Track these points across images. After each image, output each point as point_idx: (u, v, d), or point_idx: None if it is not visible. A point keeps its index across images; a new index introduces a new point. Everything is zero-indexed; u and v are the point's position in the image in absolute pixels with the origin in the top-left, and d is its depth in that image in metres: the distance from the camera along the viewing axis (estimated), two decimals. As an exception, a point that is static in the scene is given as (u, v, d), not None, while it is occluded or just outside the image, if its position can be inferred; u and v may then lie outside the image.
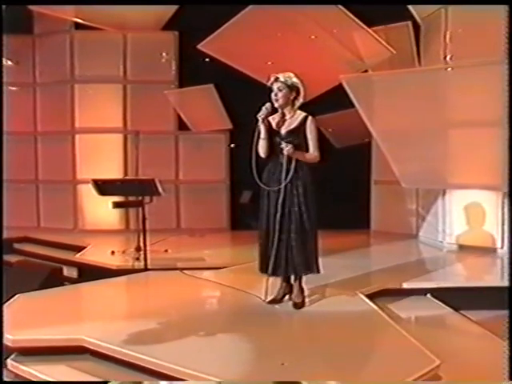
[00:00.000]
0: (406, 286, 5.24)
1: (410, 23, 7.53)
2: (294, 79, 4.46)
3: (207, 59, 7.70)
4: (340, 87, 6.54)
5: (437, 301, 5.05)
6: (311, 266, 4.50)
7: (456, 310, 4.90)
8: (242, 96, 7.26)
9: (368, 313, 4.49)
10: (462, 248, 6.92)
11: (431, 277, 5.69)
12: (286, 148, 4.37)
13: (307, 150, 4.48)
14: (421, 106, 6.40)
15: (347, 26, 6.64)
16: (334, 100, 6.97)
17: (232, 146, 8.87)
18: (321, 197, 7.82)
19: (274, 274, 4.53)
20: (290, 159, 4.41)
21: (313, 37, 6.79)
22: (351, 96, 6.35)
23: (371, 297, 4.87)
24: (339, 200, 8.22)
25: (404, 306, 4.93)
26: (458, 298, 4.98)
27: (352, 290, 4.96)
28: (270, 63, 6.78)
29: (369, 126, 6.63)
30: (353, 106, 6.62)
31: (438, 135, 6.57)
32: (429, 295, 5.15)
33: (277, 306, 4.61)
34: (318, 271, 4.56)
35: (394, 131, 6.66)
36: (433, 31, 7.20)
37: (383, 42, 6.79)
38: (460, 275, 6.10)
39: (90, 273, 6.39)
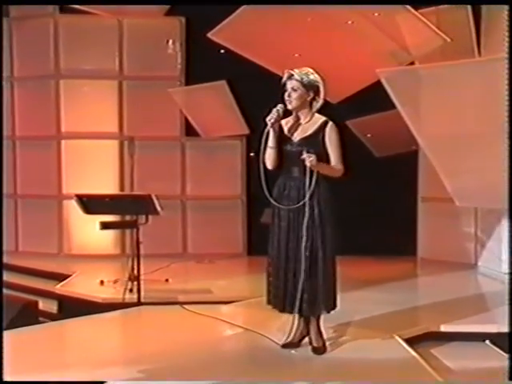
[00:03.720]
0: (458, 328, 5.14)
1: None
2: (312, 77, 4.45)
3: (221, 51, 7.70)
4: (381, 83, 6.44)
5: (498, 349, 4.94)
6: (323, 305, 4.45)
7: (522, 361, 4.78)
8: (262, 95, 7.16)
9: (407, 362, 4.40)
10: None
11: (492, 318, 5.59)
12: (309, 159, 4.32)
13: (327, 162, 4.46)
14: (480, 106, 6.25)
15: (390, 9, 6.54)
16: (375, 99, 6.91)
17: (252, 154, 8.82)
18: (357, 217, 7.96)
19: (283, 310, 4.52)
20: (310, 172, 4.37)
21: (349, 22, 6.70)
22: (391, 94, 6.24)
23: (412, 341, 4.80)
24: (379, 221, 8.24)
25: (455, 355, 4.83)
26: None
27: (388, 333, 4.87)
28: (296, 55, 6.74)
29: (414, 131, 6.50)
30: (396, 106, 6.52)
31: (500, 142, 6.40)
32: (488, 342, 5.04)
33: (293, 351, 4.57)
34: (334, 308, 4.50)
35: (446, 137, 6.53)
36: (498, 12, 7.06)
37: (434, 28, 6.66)
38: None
39: (72, 307, 6.41)
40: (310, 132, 4.46)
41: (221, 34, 7.14)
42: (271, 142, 4.43)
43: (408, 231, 8.38)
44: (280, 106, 4.40)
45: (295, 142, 4.46)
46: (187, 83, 8.83)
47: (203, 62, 8.51)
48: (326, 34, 6.71)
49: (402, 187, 8.31)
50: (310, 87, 4.42)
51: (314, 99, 4.46)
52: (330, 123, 4.45)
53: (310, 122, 4.47)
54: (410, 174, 8.35)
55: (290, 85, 4.42)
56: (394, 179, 8.20)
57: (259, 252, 8.14)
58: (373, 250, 8.03)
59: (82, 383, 3.98)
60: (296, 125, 4.50)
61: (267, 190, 4.37)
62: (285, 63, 6.65)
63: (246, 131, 8.51)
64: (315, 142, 4.42)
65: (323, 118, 4.48)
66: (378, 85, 6.43)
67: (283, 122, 4.51)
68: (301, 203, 4.38)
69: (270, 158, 4.47)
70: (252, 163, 8.76)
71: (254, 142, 8.61)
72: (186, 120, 8.82)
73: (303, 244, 4.39)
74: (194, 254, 8.73)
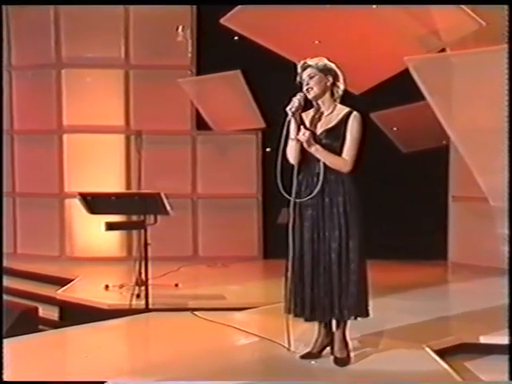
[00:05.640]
0: (493, 340, 5.10)
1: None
2: (326, 61, 4.49)
3: (235, 38, 7.72)
4: (409, 72, 6.42)
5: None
6: (355, 309, 4.45)
7: None
8: (279, 86, 7.15)
9: (437, 375, 4.36)
10: None
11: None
12: (301, 133, 4.34)
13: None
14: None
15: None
16: (401, 89, 6.93)
17: (268, 149, 8.82)
18: (382, 218, 7.92)
19: (307, 318, 4.51)
20: (325, 165, 4.40)
21: (374, 6, 6.67)
22: (419, 84, 6.21)
23: (444, 353, 4.76)
24: (407, 222, 8.21)
25: (490, 369, 4.78)
26: None
27: (417, 343, 4.84)
28: (316, 42, 6.72)
29: (444, 125, 6.47)
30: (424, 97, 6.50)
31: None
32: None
33: (313, 362, 4.55)
34: (367, 315, 4.51)
35: (480, 131, 6.50)
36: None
37: (468, 10, 6.61)
38: None
39: (75, 314, 6.45)
40: (333, 123, 4.45)
41: (234, 20, 7.12)
42: (293, 133, 4.42)
43: (438, 233, 8.37)
44: (300, 95, 4.40)
45: (318, 135, 4.44)
46: (198, 73, 8.87)
47: (216, 50, 8.53)
48: (347, 19, 6.68)
49: (431, 185, 8.30)
50: (327, 71, 4.44)
51: (334, 85, 4.46)
52: (355, 113, 4.45)
53: (333, 113, 4.47)
54: (440, 171, 8.32)
55: (305, 74, 4.44)
56: (422, 177, 8.20)
57: (276, 255, 8.15)
58: (400, 253, 8.01)
59: (82, 383, 4.08)
60: (318, 116, 4.49)
61: (282, 187, 4.36)
62: (304, 51, 6.62)
63: (262, 125, 8.49)
64: (339, 134, 4.42)
65: (347, 109, 4.48)
66: (405, 74, 6.41)
67: (303, 114, 4.51)
68: (312, 195, 4.39)
69: (292, 152, 4.46)
70: (268, 159, 8.76)
71: (270, 137, 8.62)
72: (197, 112, 8.83)
73: (332, 243, 4.40)
74: (206, 257, 8.77)
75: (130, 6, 8.78)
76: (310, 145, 4.35)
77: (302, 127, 4.39)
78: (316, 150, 4.37)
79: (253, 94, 8.28)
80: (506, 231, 7.93)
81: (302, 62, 4.47)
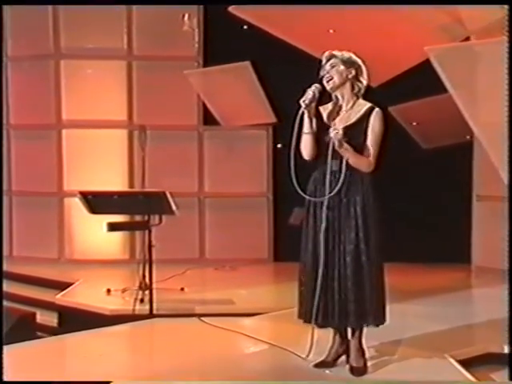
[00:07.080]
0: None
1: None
2: (352, 54, 4.51)
3: (244, 27, 7.72)
4: (430, 63, 6.40)
5: None
6: (371, 316, 4.44)
7: None
8: (291, 78, 7.22)
9: (462, 387, 4.39)
10: None
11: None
12: (334, 132, 4.30)
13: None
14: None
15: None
16: (422, 81, 6.96)
17: (279, 146, 8.82)
18: (402, 218, 7.89)
19: (320, 324, 4.50)
20: (344, 162, 4.37)
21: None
22: (441, 75, 6.17)
23: (468, 363, 4.74)
24: (427, 223, 8.18)
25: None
26: None
27: (438, 352, 4.81)
28: (331, 31, 6.70)
29: (467, 118, 6.43)
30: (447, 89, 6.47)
31: None
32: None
33: (328, 372, 4.55)
34: (383, 322, 4.50)
35: (504, 124, 6.43)
36: None
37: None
38: None
39: (75, 319, 6.45)
40: (353, 120, 4.45)
41: (244, 8, 7.12)
42: (306, 127, 4.42)
43: (461, 235, 8.36)
44: (316, 86, 4.39)
45: None
46: (205, 64, 8.86)
47: (224, 40, 8.53)
48: (364, 7, 6.66)
49: (453, 184, 8.30)
50: (351, 63, 4.46)
51: (356, 79, 4.47)
52: (377, 109, 4.45)
53: (353, 109, 4.48)
54: (463, 168, 8.32)
55: (328, 64, 4.46)
56: (444, 174, 8.21)
57: (287, 258, 8.25)
58: (420, 256, 8.00)
59: (86, 383, 4.13)
60: (337, 111, 4.50)
61: (298, 185, 4.35)
62: (317, 40, 6.65)
63: (273, 119, 8.49)
64: (360, 131, 4.42)
65: (368, 104, 4.48)
66: (426, 64, 6.39)
67: (321, 108, 4.52)
68: (330, 195, 4.37)
69: (306, 147, 4.46)
70: (279, 156, 8.76)
71: (282, 132, 8.60)
72: (205, 106, 8.83)
73: (348, 246, 4.41)
74: (213, 260, 8.80)
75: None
76: (341, 144, 4.31)
77: (333, 124, 4.38)
78: (345, 150, 4.34)
79: (263, 86, 8.27)
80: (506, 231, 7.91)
81: (327, 53, 4.48)
